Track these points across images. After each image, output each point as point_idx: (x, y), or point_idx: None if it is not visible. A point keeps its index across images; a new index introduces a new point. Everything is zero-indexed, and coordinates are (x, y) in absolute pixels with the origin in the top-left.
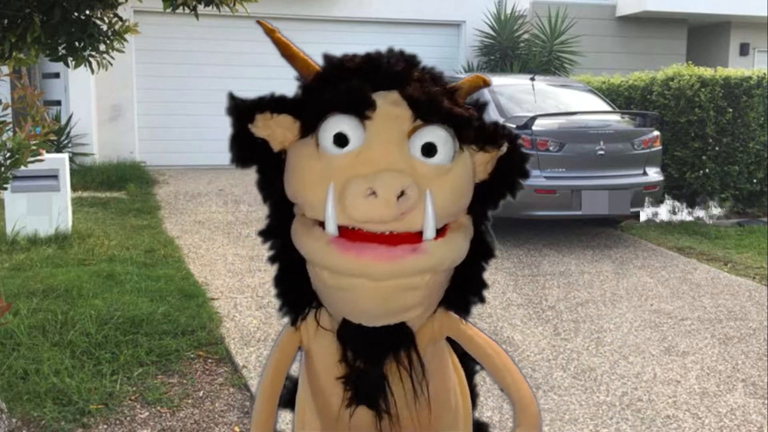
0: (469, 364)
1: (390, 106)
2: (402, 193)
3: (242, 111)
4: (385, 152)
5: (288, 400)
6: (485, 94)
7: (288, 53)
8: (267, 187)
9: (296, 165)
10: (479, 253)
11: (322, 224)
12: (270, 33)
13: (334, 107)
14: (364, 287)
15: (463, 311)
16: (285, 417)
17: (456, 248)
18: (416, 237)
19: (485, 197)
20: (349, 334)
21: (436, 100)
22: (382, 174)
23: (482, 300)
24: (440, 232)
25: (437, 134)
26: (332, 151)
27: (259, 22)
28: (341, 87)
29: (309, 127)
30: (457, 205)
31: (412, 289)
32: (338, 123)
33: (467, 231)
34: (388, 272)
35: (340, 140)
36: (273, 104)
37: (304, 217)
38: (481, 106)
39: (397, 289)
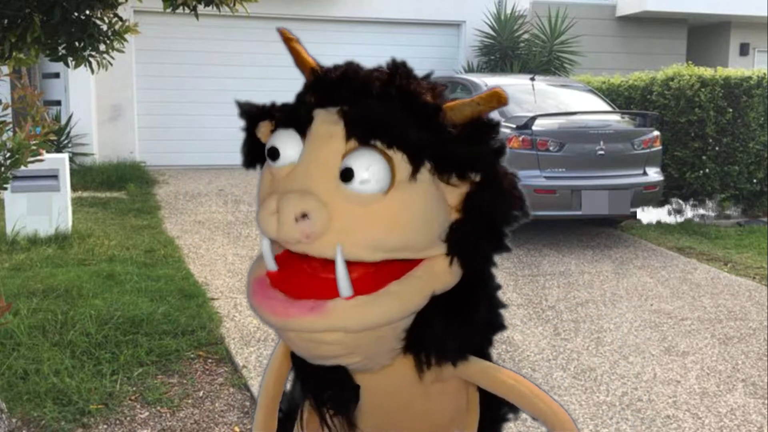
0: (500, 408)
1: (325, 124)
2: (304, 216)
3: (248, 118)
4: (307, 171)
5: (287, 408)
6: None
7: (297, 61)
8: None
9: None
10: (454, 308)
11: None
12: (287, 41)
13: (281, 121)
14: (284, 334)
15: (426, 358)
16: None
17: (382, 309)
18: (358, 278)
19: (463, 239)
20: (298, 362)
21: (376, 121)
22: (288, 194)
23: (454, 360)
24: (392, 269)
25: (364, 159)
26: (270, 164)
27: (279, 31)
28: (296, 100)
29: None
30: (394, 239)
31: (323, 343)
32: (279, 137)
33: (430, 281)
34: (280, 326)
35: (272, 154)
36: (271, 113)
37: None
38: (486, 127)
39: (305, 340)
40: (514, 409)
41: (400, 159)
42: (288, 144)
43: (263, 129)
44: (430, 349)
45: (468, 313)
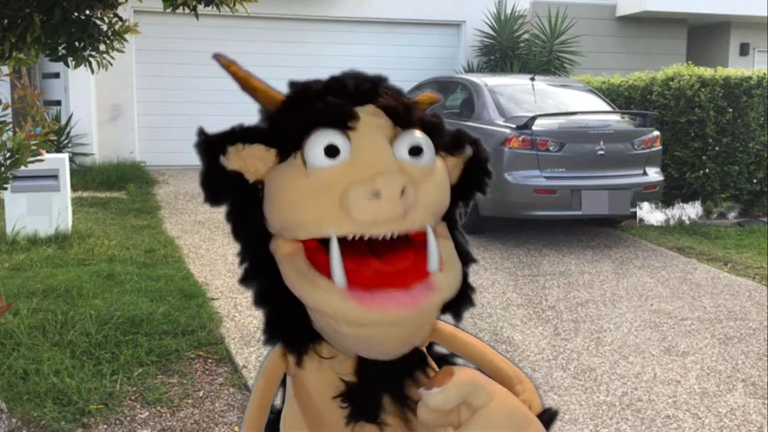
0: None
1: (370, 116)
2: (403, 191)
3: (213, 145)
4: (376, 157)
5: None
6: (485, 94)
7: (248, 86)
8: (243, 220)
9: (282, 188)
10: (460, 258)
11: (313, 258)
12: (226, 67)
13: (316, 123)
14: (386, 333)
15: (456, 318)
16: None
17: (457, 273)
18: (417, 260)
19: (455, 200)
20: (368, 369)
21: (410, 109)
22: (382, 175)
23: (473, 304)
24: (418, 236)
25: (418, 137)
26: (323, 164)
27: (215, 57)
28: (319, 104)
29: (288, 150)
30: (444, 203)
31: (428, 321)
32: (325, 136)
33: (451, 243)
34: (412, 317)
35: (331, 151)
36: (243, 135)
37: (294, 259)
38: (439, 117)
39: (418, 327)
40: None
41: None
42: (338, 141)
43: (232, 155)
44: (463, 299)
45: (467, 260)
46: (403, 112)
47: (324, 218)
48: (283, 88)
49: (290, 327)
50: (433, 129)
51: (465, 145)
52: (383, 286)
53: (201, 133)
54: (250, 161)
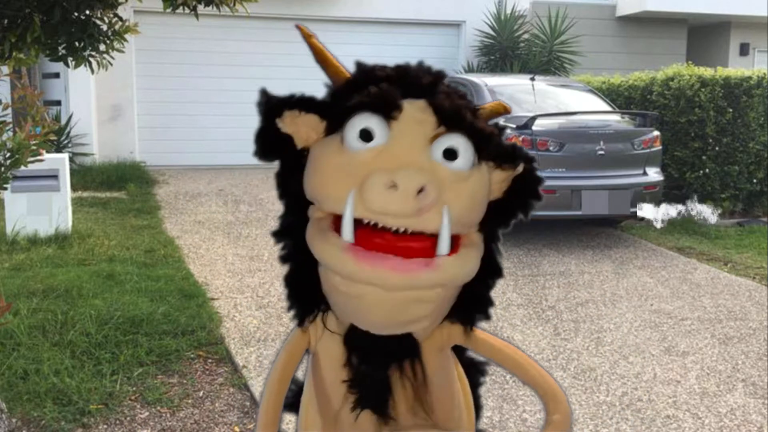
0: (474, 375)
1: (416, 111)
2: (421, 189)
3: (272, 106)
4: (408, 151)
5: (291, 403)
6: (485, 94)
7: (321, 58)
8: (285, 183)
9: (319, 160)
10: (488, 271)
11: (337, 228)
12: (307, 38)
13: (362, 106)
14: (375, 296)
15: (466, 326)
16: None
17: (468, 265)
18: (429, 247)
19: (497, 216)
20: (356, 340)
21: (461, 111)
22: (404, 169)
23: (488, 317)
24: (452, 245)
25: (458, 141)
26: (356, 146)
27: (297, 27)
28: (371, 89)
29: (335, 126)
30: (472, 215)
31: (422, 301)
32: (365, 120)
33: (479, 248)
34: (401, 284)
35: (366, 136)
36: (301, 103)
37: (320, 221)
38: (501, 130)
39: (407, 300)
40: (485, 373)
41: (472, 144)
42: (376, 128)
43: (287, 119)
44: (477, 308)
45: (498, 274)
46: (451, 113)
47: (343, 197)
48: (282, 89)
49: (303, 288)
50: (482, 137)
51: (516, 161)
52: (385, 251)
53: (263, 93)
54: (303, 128)
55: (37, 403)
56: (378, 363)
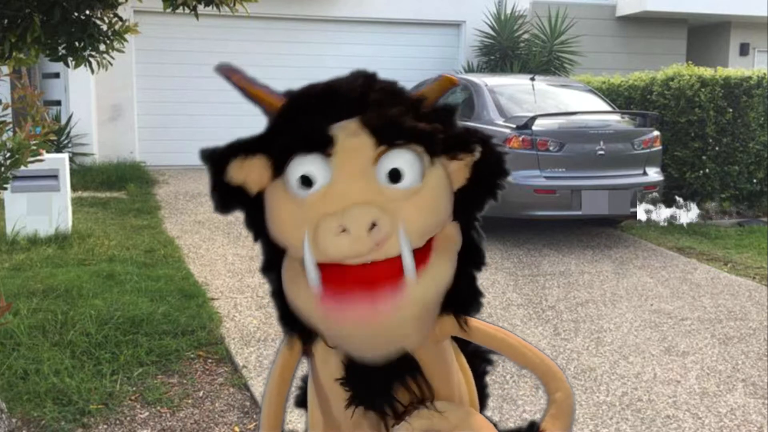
0: (479, 364)
1: (350, 138)
2: (373, 225)
3: (215, 161)
4: (351, 186)
5: (303, 400)
6: (485, 94)
7: (250, 94)
8: (254, 227)
9: (272, 208)
10: (470, 260)
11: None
12: (231, 76)
13: (295, 148)
14: (354, 336)
15: (460, 318)
16: (289, 417)
17: (439, 278)
18: (399, 267)
19: (468, 202)
20: (355, 369)
21: (397, 123)
22: (351, 210)
23: (478, 308)
24: (424, 248)
25: (403, 158)
26: (300, 193)
27: (217, 69)
28: (301, 125)
29: (278, 169)
30: (434, 222)
31: (401, 326)
32: (302, 164)
33: (453, 245)
34: (371, 329)
35: (306, 181)
36: (242, 147)
37: (292, 264)
38: (450, 111)
39: (385, 330)
40: (490, 362)
41: (421, 150)
42: (316, 168)
43: (234, 169)
44: (467, 301)
45: (481, 261)
46: (386, 129)
47: (301, 245)
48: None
49: (292, 320)
50: (427, 140)
51: (471, 147)
52: (357, 289)
53: (203, 151)
54: (253, 173)
55: (37, 403)
56: (380, 388)
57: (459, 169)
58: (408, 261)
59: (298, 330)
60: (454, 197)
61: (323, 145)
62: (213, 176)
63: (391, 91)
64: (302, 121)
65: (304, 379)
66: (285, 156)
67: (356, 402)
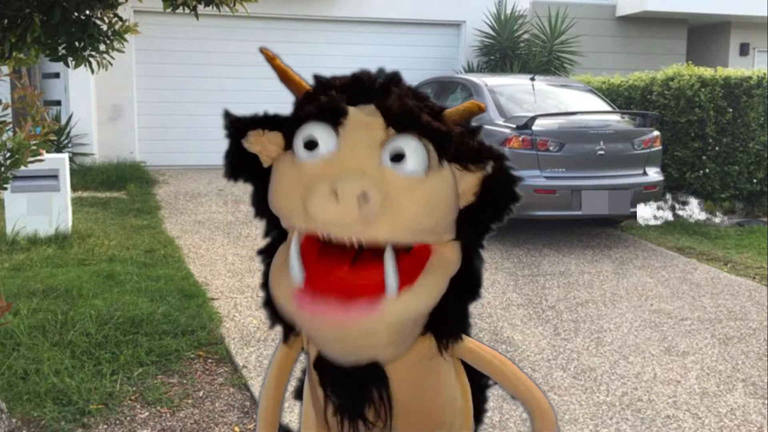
0: (480, 379)
1: (363, 115)
2: (364, 196)
3: (237, 127)
4: (354, 157)
5: (301, 393)
6: (485, 94)
7: (285, 78)
8: (259, 203)
9: (275, 174)
10: (462, 288)
11: (308, 248)
12: (270, 60)
13: (308, 115)
14: (324, 336)
15: (439, 344)
16: (287, 416)
17: (423, 300)
18: (381, 283)
19: (473, 222)
20: (325, 367)
21: (411, 111)
22: (344, 175)
23: (460, 336)
24: (416, 264)
25: (408, 143)
26: (304, 157)
27: (261, 50)
28: (319, 98)
29: (290, 140)
30: (428, 222)
31: (374, 336)
32: (310, 129)
33: (447, 269)
34: (340, 333)
35: (310, 145)
36: (265, 121)
37: (281, 251)
38: (474, 131)
39: (357, 337)
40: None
41: (430, 147)
42: (323, 136)
43: (253, 138)
44: (450, 327)
45: (476, 289)
46: (399, 114)
47: (294, 210)
48: (282, 89)
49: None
50: (438, 137)
51: (483, 160)
52: (335, 295)
53: (227, 114)
54: (269, 147)
55: (37, 403)
56: (344, 392)
57: (469, 183)
58: (390, 277)
59: (280, 318)
60: (460, 214)
61: (335, 115)
62: (230, 141)
63: (414, 91)
64: (322, 97)
65: (304, 371)
66: (298, 123)
67: (339, 411)
